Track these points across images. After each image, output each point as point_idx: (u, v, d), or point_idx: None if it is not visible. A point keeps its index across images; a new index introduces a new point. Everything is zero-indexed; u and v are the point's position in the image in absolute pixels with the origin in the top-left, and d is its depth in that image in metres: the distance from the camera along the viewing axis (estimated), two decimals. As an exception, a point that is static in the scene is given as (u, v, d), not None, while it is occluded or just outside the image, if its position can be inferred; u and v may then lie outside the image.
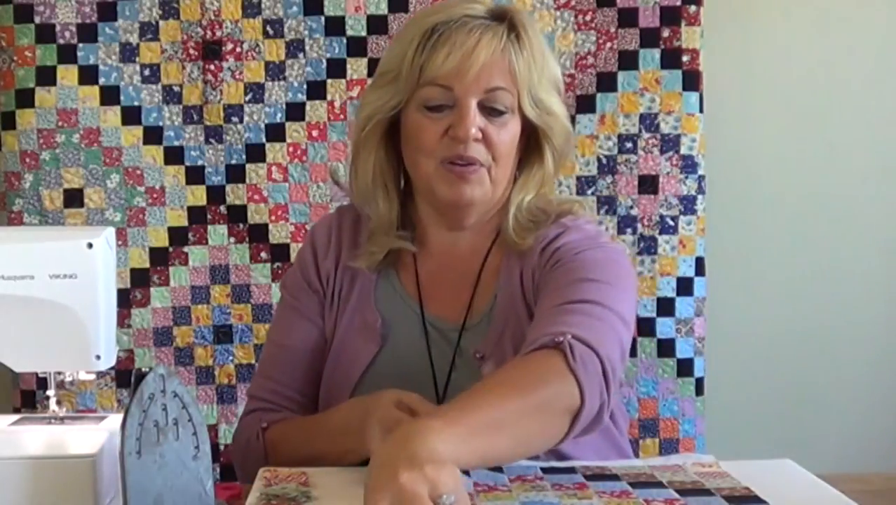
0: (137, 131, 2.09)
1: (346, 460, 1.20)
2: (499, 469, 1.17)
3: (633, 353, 2.09)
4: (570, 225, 1.34)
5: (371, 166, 1.34)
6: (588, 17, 2.09)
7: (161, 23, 2.08)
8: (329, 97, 2.10)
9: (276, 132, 2.10)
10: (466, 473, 1.09)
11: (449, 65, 1.25)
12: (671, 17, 2.07)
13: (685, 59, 2.08)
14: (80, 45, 2.07)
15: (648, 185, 2.10)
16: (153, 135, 2.09)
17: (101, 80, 2.08)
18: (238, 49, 2.09)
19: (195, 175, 2.10)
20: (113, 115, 2.08)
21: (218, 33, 2.08)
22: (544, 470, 1.17)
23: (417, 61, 1.27)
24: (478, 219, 1.36)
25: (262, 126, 2.10)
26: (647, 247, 2.10)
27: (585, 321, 1.16)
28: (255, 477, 1.30)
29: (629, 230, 2.10)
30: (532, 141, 1.34)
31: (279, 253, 2.11)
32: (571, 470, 1.17)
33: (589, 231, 1.34)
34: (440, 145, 1.28)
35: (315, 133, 2.10)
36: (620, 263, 1.31)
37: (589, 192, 2.09)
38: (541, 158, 1.35)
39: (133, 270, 2.10)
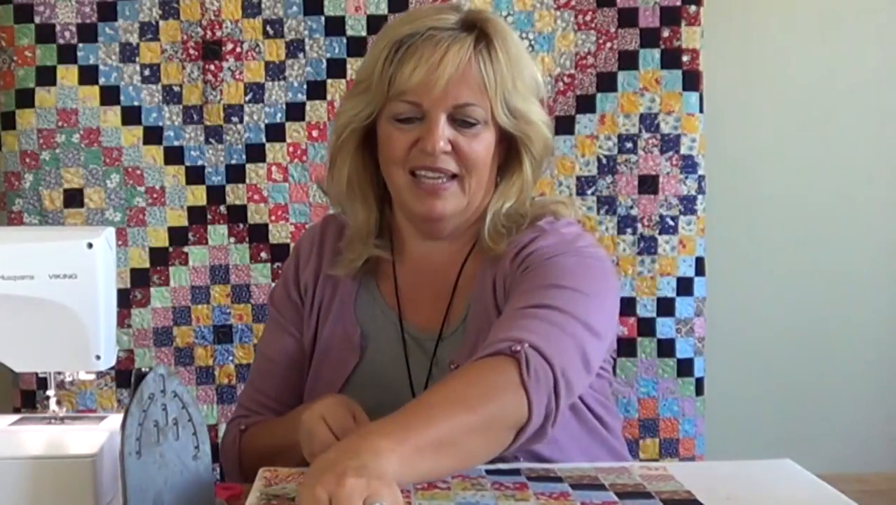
0: (137, 131, 2.09)
1: (298, 455, 1.21)
2: None
3: (633, 353, 2.10)
4: (546, 229, 1.32)
5: (346, 175, 1.34)
6: (588, 17, 2.09)
7: (161, 23, 2.08)
8: (329, 97, 2.09)
9: (276, 132, 2.10)
10: None
11: (415, 79, 1.24)
12: (671, 17, 2.07)
13: (685, 59, 2.07)
14: (80, 45, 2.07)
15: (648, 185, 2.09)
16: (153, 135, 2.09)
17: (101, 80, 2.08)
18: (238, 49, 2.09)
19: (195, 175, 2.10)
20: (113, 115, 2.08)
21: (218, 33, 2.08)
22: (489, 472, 1.17)
23: (386, 75, 1.26)
24: (454, 229, 1.35)
25: (262, 126, 2.10)
26: (647, 247, 2.10)
27: (545, 329, 1.14)
28: (238, 479, 1.33)
29: (629, 230, 2.10)
30: (511, 148, 1.33)
31: (279, 253, 2.11)
32: (516, 472, 1.18)
33: (565, 235, 1.31)
34: (409, 156, 1.28)
35: (315, 133, 2.10)
36: (594, 269, 1.27)
37: (589, 192, 2.09)
38: (520, 166, 1.33)
39: (133, 270, 2.10)
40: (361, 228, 1.36)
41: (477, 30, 1.27)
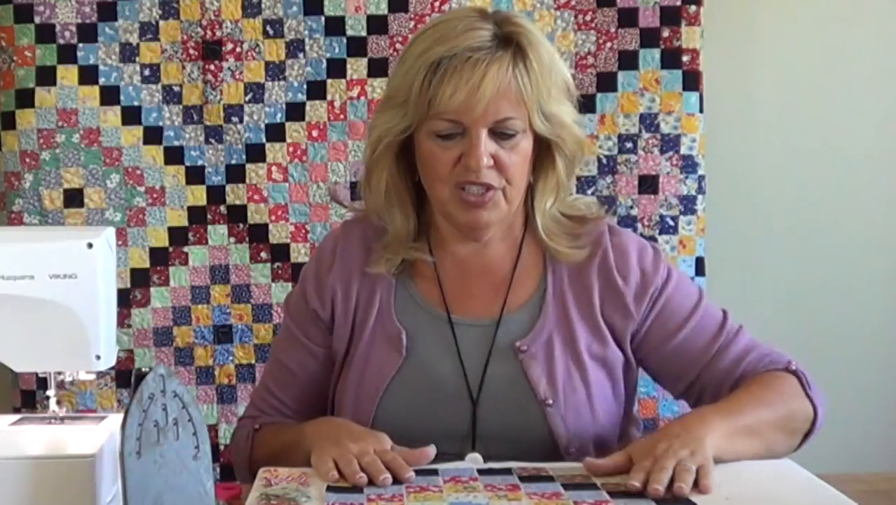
0: (137, 131, 2.09)
1: (305, 459, 1.24)
2: (433, 472, 1.18)
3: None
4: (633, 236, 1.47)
5: (383, 185, 1.36)
6: (588, 17, 2.09)
7: (161, 23, 2.08)
8: (329, 97, 2.09)
9: (276, 132, 2.10)
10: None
11: (456, 101, 1.25)
12: (671, 17, 2.07)
13: (685, 59, 2.07)
14: (80, 45, 2.07)
15: (648, 185, 2.10)
16: (153, 135, 2.09)
17: (101, 80, 2.08)
18: (238, 49, 2.09)
19: (195, 175, 2.10)
20: (113, 115, 2.08)
21: (218, 33, 2.08)
22: (480, 472, 1.19)
23: (424, 95, 1.27)
24: (498, 229, 1.37)
25: (262, 126, 2.10)
26: (647, 247, 2.10)
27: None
28: (246, 476, 1.33)
29: (629, 230, 2.09)
30: (544, 147, 1.34)
31: (279, 253, 2.11)
32: (507, 471, 1.19)
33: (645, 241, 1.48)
34: (453, 172, 1.29)
35: (315, 133, 2.10)
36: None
37: (589, 192, 2.09)
38: (554, 165, 1.35)
39: (133, 270, 2.10)
40: (400, 233, 1.37)
41: (514, 45, 1.28)
